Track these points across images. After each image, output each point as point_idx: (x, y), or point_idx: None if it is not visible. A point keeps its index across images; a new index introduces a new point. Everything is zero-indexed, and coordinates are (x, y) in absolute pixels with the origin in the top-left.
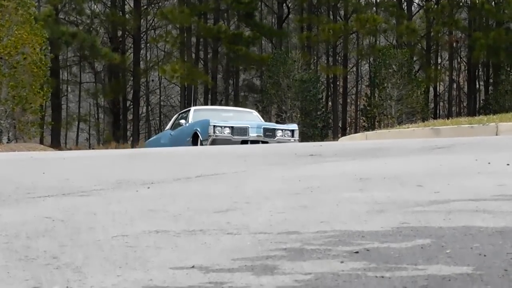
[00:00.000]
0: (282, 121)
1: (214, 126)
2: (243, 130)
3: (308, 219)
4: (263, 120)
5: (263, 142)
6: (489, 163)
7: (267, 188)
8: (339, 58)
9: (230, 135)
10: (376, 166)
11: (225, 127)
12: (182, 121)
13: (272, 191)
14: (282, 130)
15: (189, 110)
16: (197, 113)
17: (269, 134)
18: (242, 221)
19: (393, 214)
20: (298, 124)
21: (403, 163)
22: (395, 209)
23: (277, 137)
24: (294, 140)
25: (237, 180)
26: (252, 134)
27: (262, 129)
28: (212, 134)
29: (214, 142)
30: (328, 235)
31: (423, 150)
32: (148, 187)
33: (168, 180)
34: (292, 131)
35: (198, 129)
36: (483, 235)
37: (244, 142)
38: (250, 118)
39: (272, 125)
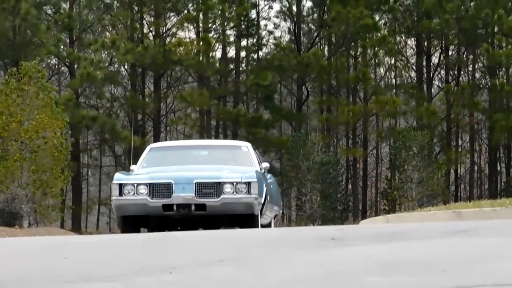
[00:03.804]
0: (302, 204)
1: (120, 184)
2: (166, 189)
3: None
4: (255, 163)
5: (198, 207)
6: None
7: (289, 273)
8: (359, 140)
9: (146, 197)
10: (399, 250)
11: (139, 185)
12: (132, 168)
13: (294, 276)
14: (232, 183)
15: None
16: (152, 156)
17: (209, 192)
18: None
19: None
20: (318, 207)
21: (426, 247)
22: None
23: (223, 195)
24: (252, 198)
25: (259, 264)
26: (178, 194)
27: (194, 186)
28: (117, 196)
29: (120, 209)
30: None
31: (446, 234)
32: (170, 272)
33: (190, 265)
34: (248, 183)
35: None
36: None
37: (167, 208)
38: (230, 160)
39: (214, 176)
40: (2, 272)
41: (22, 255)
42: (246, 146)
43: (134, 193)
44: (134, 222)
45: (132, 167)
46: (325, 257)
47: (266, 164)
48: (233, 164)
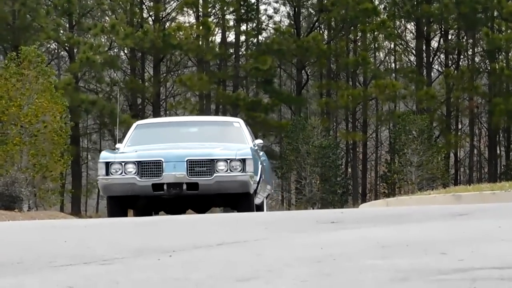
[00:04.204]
0: (302, 187)
1: (106, 163)
2: (155, 167)
3: (331, 287)
4: (248, 139)
5: (190, 186)
6: None
7: (289, 255)
8: (359, 124)
9: (135, 176)
10: (398, 233)
11: (127, 163)
12: (118, 146)
13: (294, 258)
14: (225, 161)
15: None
16: (138, 133)
17: (201, 170)
18: None
19: (416, 283)
20: (317, 191)
21: (425, 230)
22: (418, 277)
23: (217, 173)
24: (248, 176)
25: (258, 247)
26: (169, 173)
27: (185, 163)
28: (104, 176)
29: (107, 189)
30: None
31: (445, 217)
32: (170, 255)
33: (189, 248)
34: (243, 160)
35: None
36: None
37: (157, 187)
38: (222, 137)
39: (207, 153)
40: (2, 255)
41: (21, 238)
42: (238, 122)
43: (122, 172)
44: (121, 202)
45: (118, 145)
46: (324, 240)
47: (259, 141)
48: (225, 141)
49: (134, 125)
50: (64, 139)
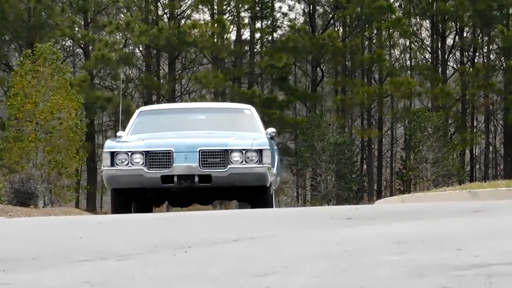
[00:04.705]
0: (317, 184)
1: (112, 153)
2: (165, 158)
3: (347, 283)
4: (261, 128)
5: (202, 178)
6: None
7: (305, 251)
8: (374, 121)
9: (142, 167)
10: (414, 229)
11: (134, 153)
12: (120, 134)
13: (310, 254)
14: (241, 151)
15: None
16: (142, 120)
17: (214, 161)
18: (281, 285)
19: (433, 278)
20: (333, 188)
21: (441, 226)
22: (435, 272)
23: (231, 165)
24: (265, 168)
25: (274, 243)
26: (180, 164)
27: (198, 154)
28: (109, 166)
29: (112, 181)
30: None
31: (461, 213)
32: (186, 251)
33: (206, 243)
34: (259, 151)
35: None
36: None
37: (167, 179)
38: (233, 125)
39: (221, 143)
40: (18, 250)
41: (37, 234)
42: (249, 109)
43: (128, 163)
44: (127, 196)
45: (120, 133)
46: (340, 236)
47: (271, 129)
48: (236, 130)
49: (137, 111)
50: (80, 135)
